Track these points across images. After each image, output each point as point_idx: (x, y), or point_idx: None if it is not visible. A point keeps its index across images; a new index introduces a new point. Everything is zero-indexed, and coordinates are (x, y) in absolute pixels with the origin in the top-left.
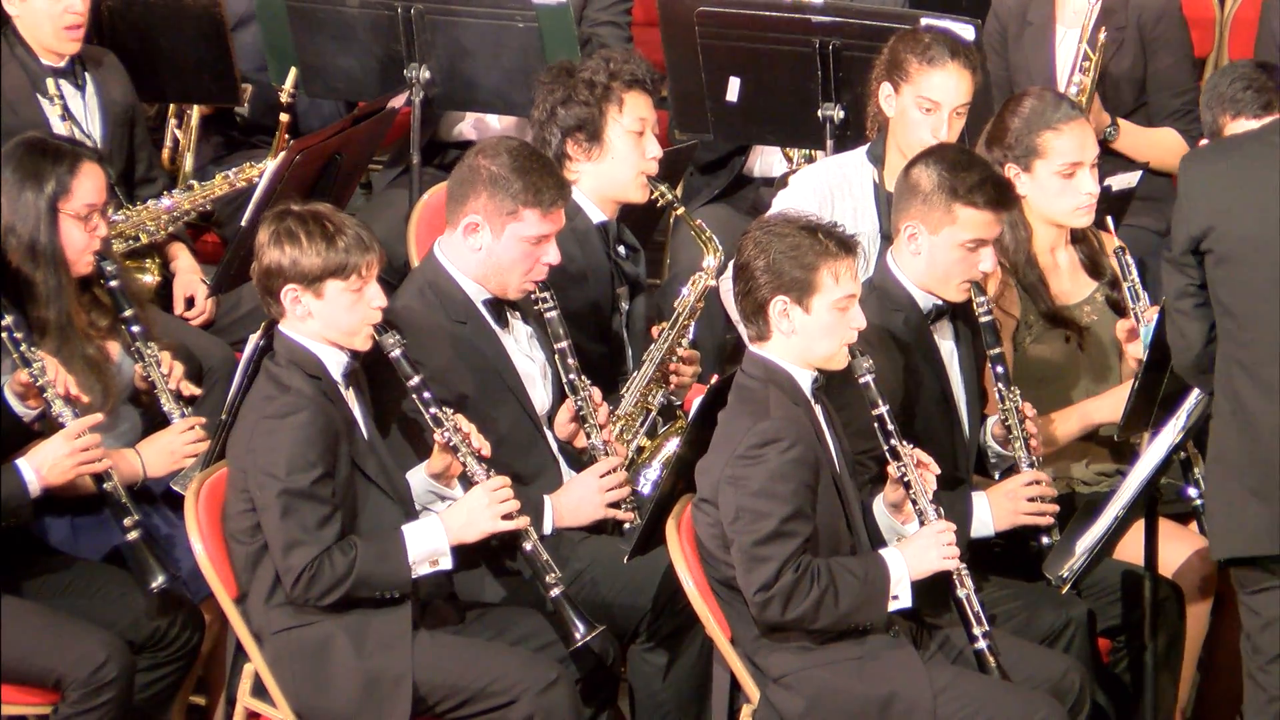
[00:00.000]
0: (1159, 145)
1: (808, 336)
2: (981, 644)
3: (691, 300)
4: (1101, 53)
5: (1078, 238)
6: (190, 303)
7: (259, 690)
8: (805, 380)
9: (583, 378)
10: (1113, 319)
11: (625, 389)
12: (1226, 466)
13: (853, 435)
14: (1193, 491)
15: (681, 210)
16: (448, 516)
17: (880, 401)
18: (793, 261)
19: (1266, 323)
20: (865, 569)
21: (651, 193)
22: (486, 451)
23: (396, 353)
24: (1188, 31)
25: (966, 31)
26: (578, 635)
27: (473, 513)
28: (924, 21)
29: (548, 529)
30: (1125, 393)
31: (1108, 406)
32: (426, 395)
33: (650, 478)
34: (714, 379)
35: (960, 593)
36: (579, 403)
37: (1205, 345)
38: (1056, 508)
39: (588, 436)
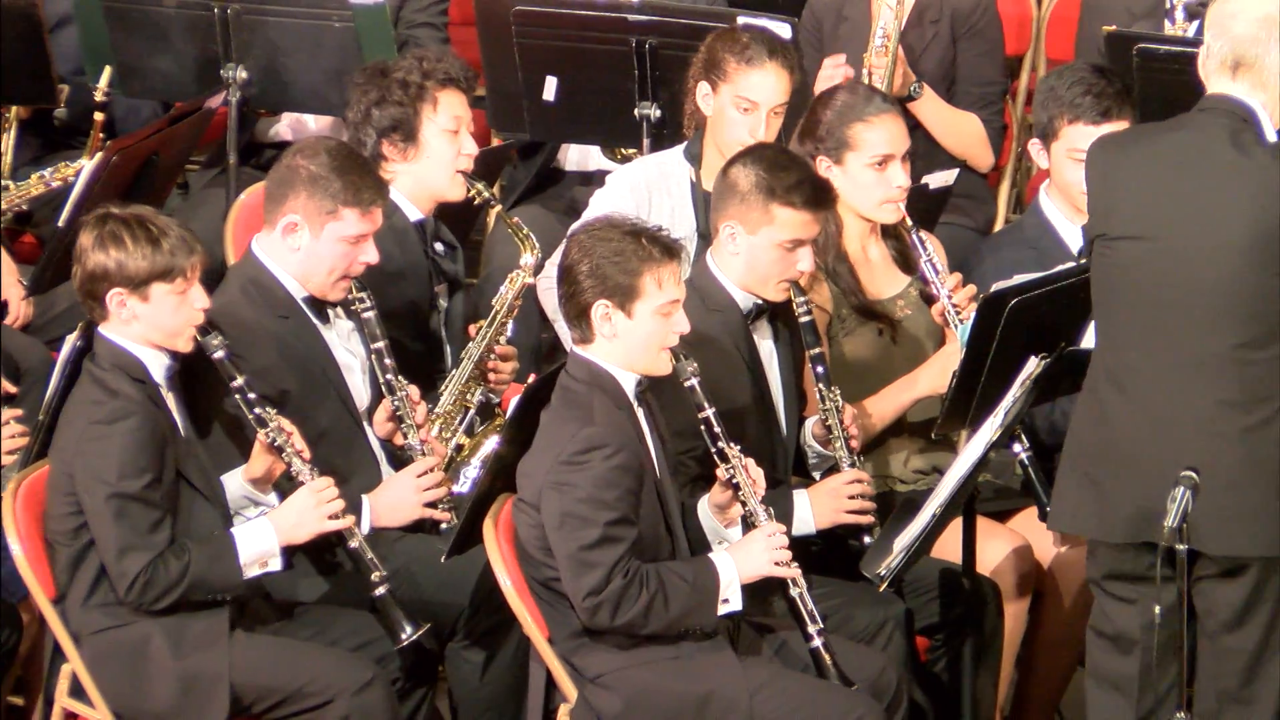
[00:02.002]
0: (957, 125)
1: (630, 341)
2: (817, 642)
3: (509, 298)
4: (900, 32)
5: (889, 233)
6: (3, 306)
7: (77, 691)
8: (629, 383)
9: (399, 377)
10: (926, 312)
11: (444, 387)
12: (1080, 447)
13: (673, 435)
14: (1017, 446)
15: (499, 209)
16: (276, 517)
17: (706, 404)
18: (616, 266)
19: (1151, 322)
20: (695, 573)
21: (469, 191)
22: (308, 454)
23: (220, 354)
24: (1000, 27)
25: (783, 30)
26: (404, 634)
27: (301, 513)
28: (741, 20)
29: (365, 529)
30: (949, 364)
31: (933, 376)
32: (250, 396)
33: (469, 476)
34: (531, 378)
35: (794, 593)
36: (396, 402)
37: None
38: (875, 505)
39: (404, 436)
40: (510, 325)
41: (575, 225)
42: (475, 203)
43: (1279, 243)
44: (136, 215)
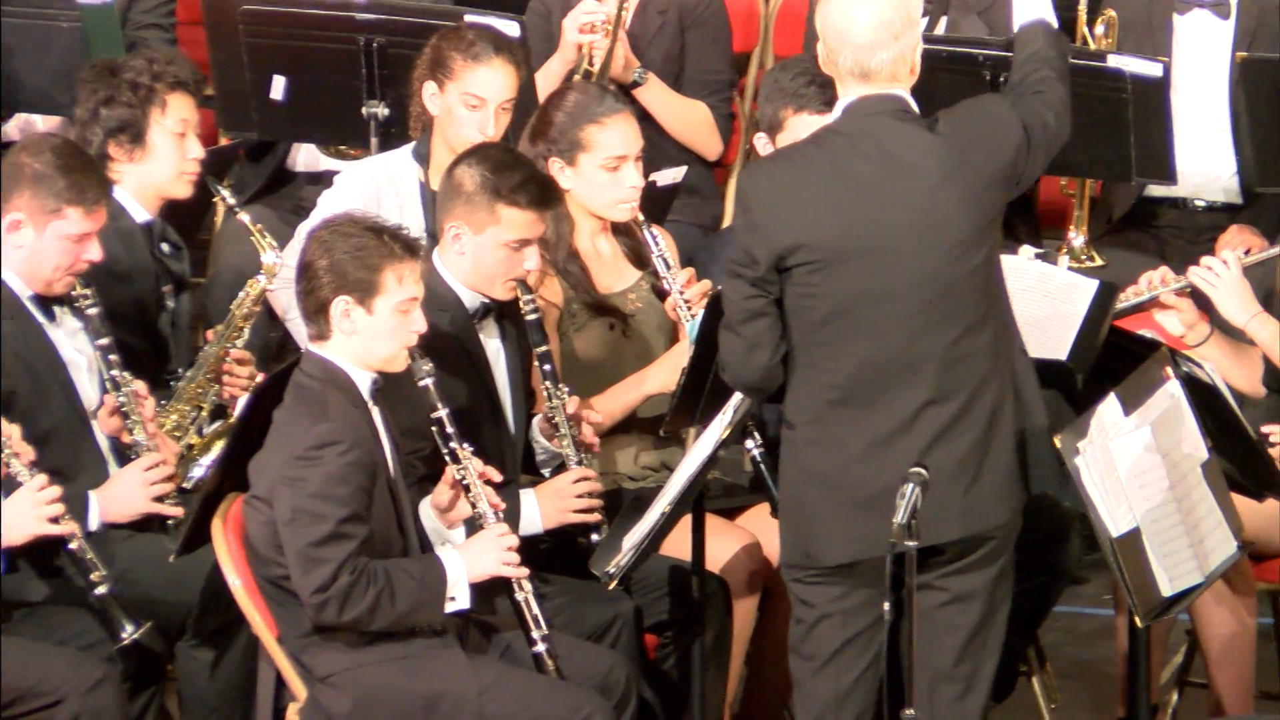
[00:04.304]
0: (683, 113)
1: (369, 338)
2: (540, 647)
3: (249, 303)
4: (621, 15)
5: (620, 228)
6: None
7: None
8: (364, 382)
9: (125, 374)
10: (658, 307)
11: (178, 386)
12: (811, 475)
13: (402, 435)
14: (749, 442)
15: (243, 215)
16: None
17: (440, 405)
18: (357, 262)
19: (858, 332)
20: (423, 570)
21: (213, 195)
22: (30, 455)
23: None
24: (726, 18)
25: (512, 29)
26: (124, 633)
27: (18, 516)
28: (468, 19)
29: (94, 524)
30: (678, 362)
31: (662, 374)
32: None
33: (197, 475)
34: (260, 376)
35: (519, 596)
36: (122, 398)
37: (774, 362)
38: (603, 503)
39: (130, 432)
40: (247, 330)
41: (313, 223)
42: (214, 202)
43: (984, 218)
44: None
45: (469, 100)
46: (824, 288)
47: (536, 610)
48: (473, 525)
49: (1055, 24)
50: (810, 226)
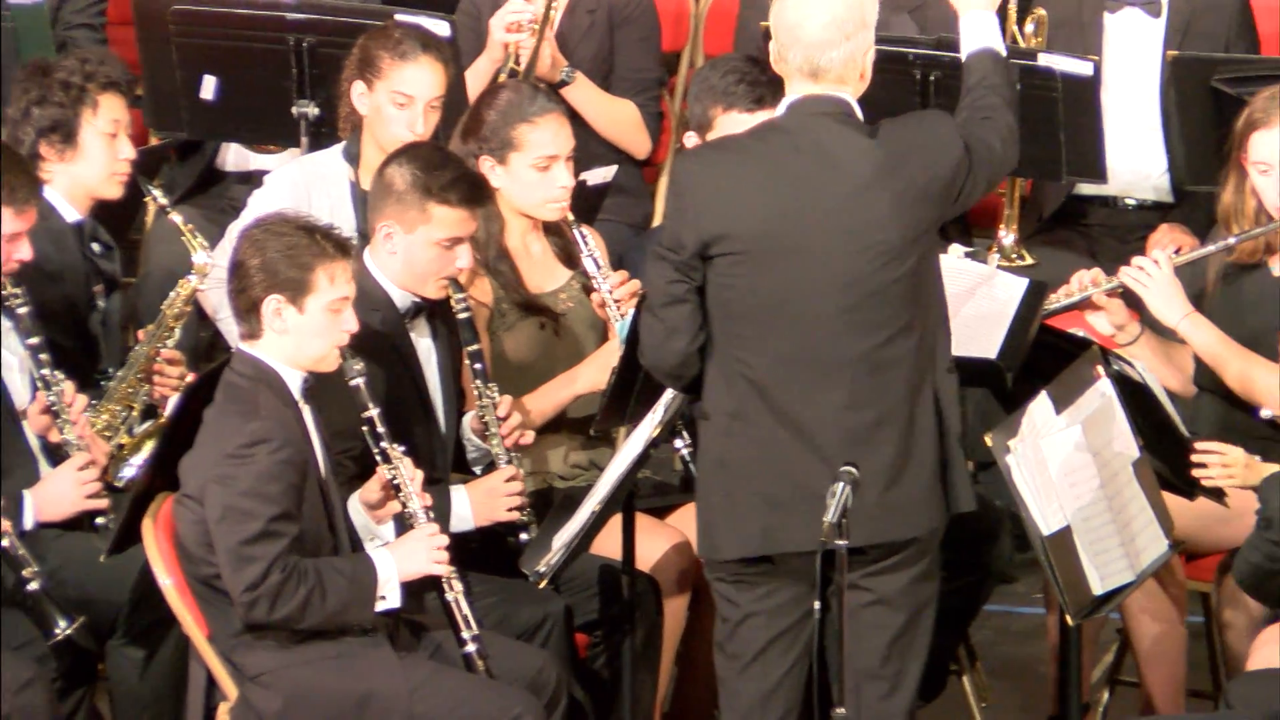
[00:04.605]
0: (612, 111)
1: (300, 336)
2: (470, 648)
3: (180, 303)
4: (549, 15)
5: (551, 228)
6: None
7: None
8: (295, 381)
9: (55, 373)
10: (589, 306)
11: (109, 385)
12: (726, 468)
13: (332, 435)
14: (678, 442)
15: (172, 213)
16: None
17: (371, 405)
18: (289, 261)
19: (779, 329)
20: (354, 569)
21: (145, 196)
22: None
23: None
24: (656, 17)
25: (442, 28)
26: (58, 628)
27: None
28: (398, 19)
29: (29, 523)
30: (608, 361)
31: (592, 373)
32: None
33: (129, 474)
34: (190, 376)
35: (449, 596)
36: (51, 397)
37: (691, 349)
38: (533, 502)
39: (60, 431)
40: (178, 330)
41: (244, 223)
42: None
43: (914, 230)
44: None
45: (397, 99)
46: (746, 280)
47: (467, 610)
48: (403, 524)
49: (1003, 51)
50: (738, 217)
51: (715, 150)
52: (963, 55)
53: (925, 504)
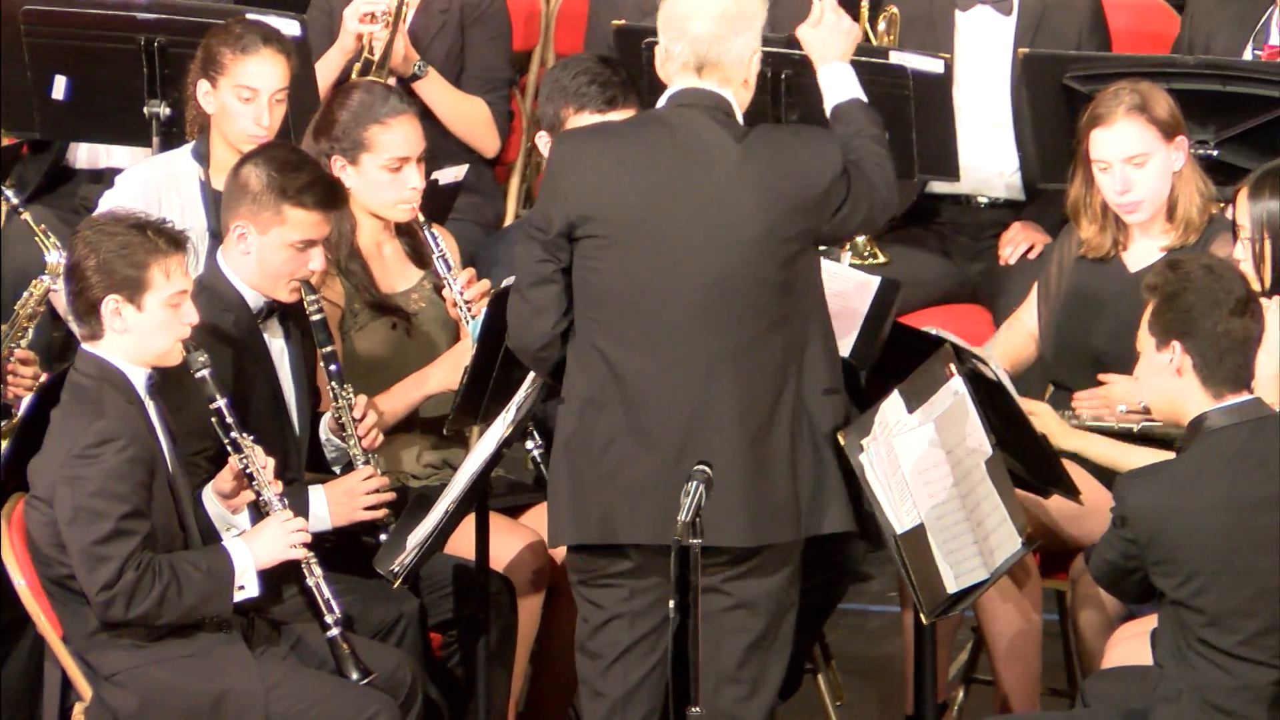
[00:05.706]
0: (462, 108)
1: (141, 334)
2: (334, 632)
3: (32, 303)
4: (402, 8)
5: (402, 228)
6: None
7: None
8: (139, 378)
9: None
10: (441, 306)
11: None
12: (574, 453)
13: (186, 436)
14: (530, 443)
15: (24, 213)
16: None
17: (217, 395)
18: (123, 260)
19: (638, 318)
20: (209, 562)
21: None
22: None
23: None
24: (508, 16)
25: (293, 27)
26: None
27: None
28: (249, 17)
29: None
30: (460, 361)
31: (444, 373)
32: None
33: None
34: (44, 376)
35: (310, 581)
36: None
37: (556, 331)
38: (393, 496)
39: None
40: (31, 330)
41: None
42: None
43: (781, 234)
44: None
45: (242, 93)
46: (608, 265)
47: (329, 594)
48: (258, 513)
49: (864, 98)
50: (606, 201)
51: (593, 134)
52: (827, 106)
53: (783, 513)
